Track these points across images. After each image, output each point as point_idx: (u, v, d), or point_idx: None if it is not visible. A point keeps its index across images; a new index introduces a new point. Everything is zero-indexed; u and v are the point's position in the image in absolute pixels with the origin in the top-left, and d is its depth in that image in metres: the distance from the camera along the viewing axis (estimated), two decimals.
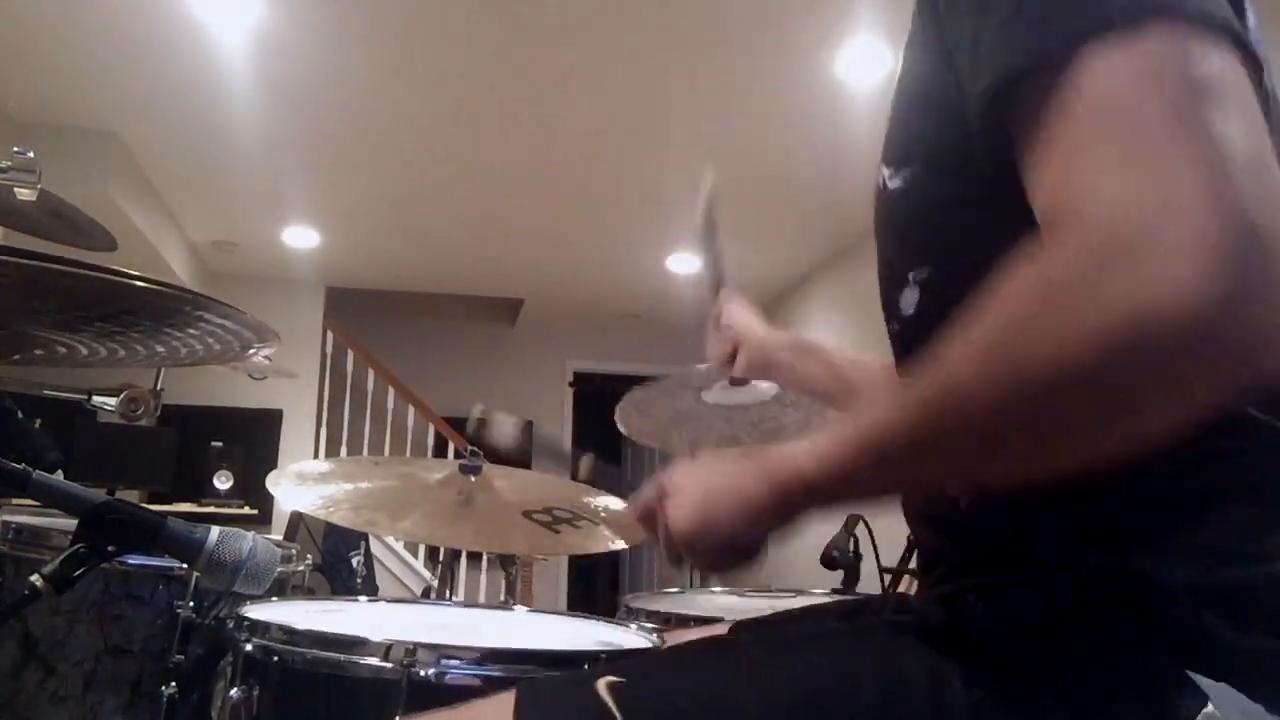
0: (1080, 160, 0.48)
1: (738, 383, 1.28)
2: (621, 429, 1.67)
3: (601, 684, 0.61)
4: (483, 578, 5.57)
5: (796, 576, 2.03)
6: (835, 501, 0.64)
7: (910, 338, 0.70)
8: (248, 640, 0.96)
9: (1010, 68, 0.52)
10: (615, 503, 1.50)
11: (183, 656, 1.17)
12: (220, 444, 5.27)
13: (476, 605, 1.51)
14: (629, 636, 1.16)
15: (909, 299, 0.68)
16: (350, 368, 5.99)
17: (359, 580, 2.46)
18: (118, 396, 1.23)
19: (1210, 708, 0.53)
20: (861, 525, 2.03)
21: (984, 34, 0.54)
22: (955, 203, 0.64)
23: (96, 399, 1.23)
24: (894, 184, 0.68)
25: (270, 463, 5.23)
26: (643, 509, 0.74)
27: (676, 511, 0.69)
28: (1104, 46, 0.48)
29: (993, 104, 0.53)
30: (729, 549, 0.68)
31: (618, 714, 0.59)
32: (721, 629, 0.89)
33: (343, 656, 0.91)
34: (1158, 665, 0.55)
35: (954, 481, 0.59)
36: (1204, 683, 0.53)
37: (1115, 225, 0.45)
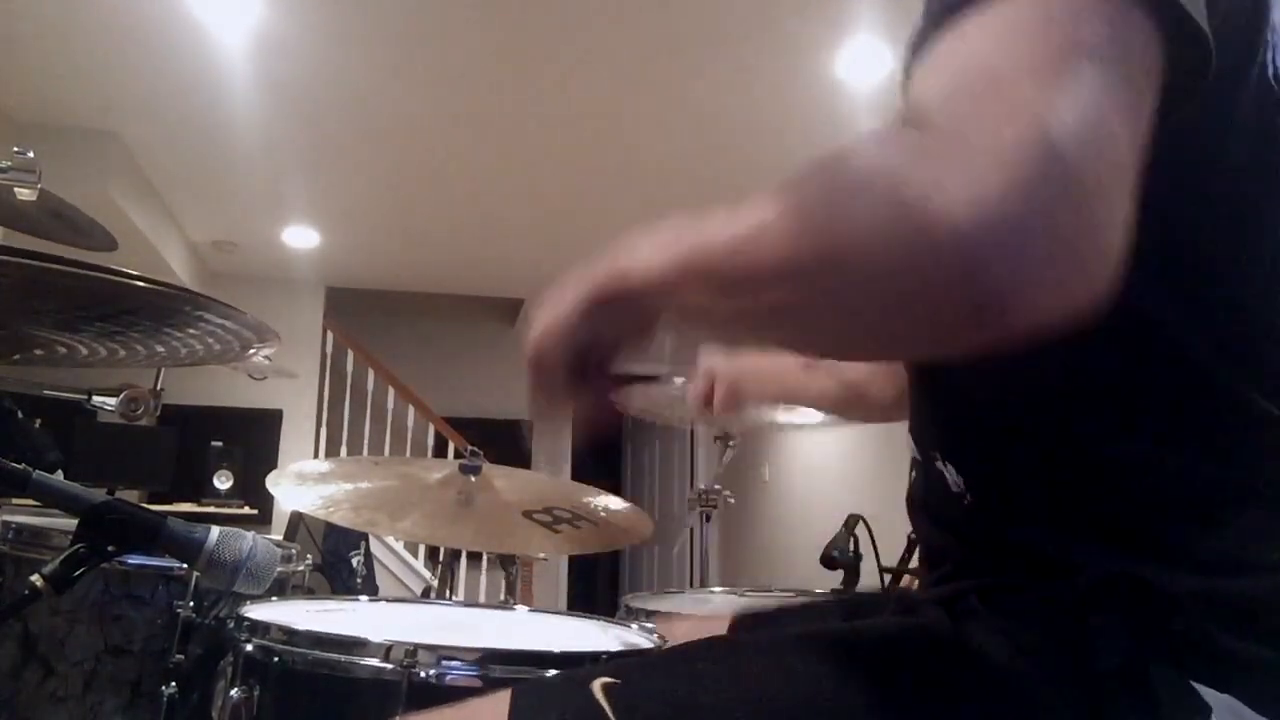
0: (954, 65, 0.48)
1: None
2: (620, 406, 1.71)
3: (597, 685, 0.61)
4: (483, 578, 5.57)
5: (796, 576, 2.03)
6: (664, 307, 0.59)
7: None
8: (248, 641, 0.96)
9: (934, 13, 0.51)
10: (616, 502, 1.50)
11: (183, 656, 1.17)
12: (220, 444, 5.27)
13: (477, 605, 1.51)
14: (629, 636, 1.16)
15: None
16: (350, 368, 5.99)
17: (359, 580, 2.46)
18: (118, 396, 1.23)
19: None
20: (861, 525, 2.03)
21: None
22: None
23: (96, 399, 1.23)
24: None
25: (270, 463, 5.23)
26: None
27: (532, 332, 0.65)
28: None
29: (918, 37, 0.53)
30: (584, 362, 0.64)
31: (612, 715, 0.59)
32: (720, 626, 0.89)
33: (343, 657, 0.91)
34: (1160, 675, 0.55)
35: (769, 326, 0.55)
36: (1207, 694, 0.53)
37: (948, 130, 0.44)
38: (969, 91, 0.45)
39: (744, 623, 0.88)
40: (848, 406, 1.12)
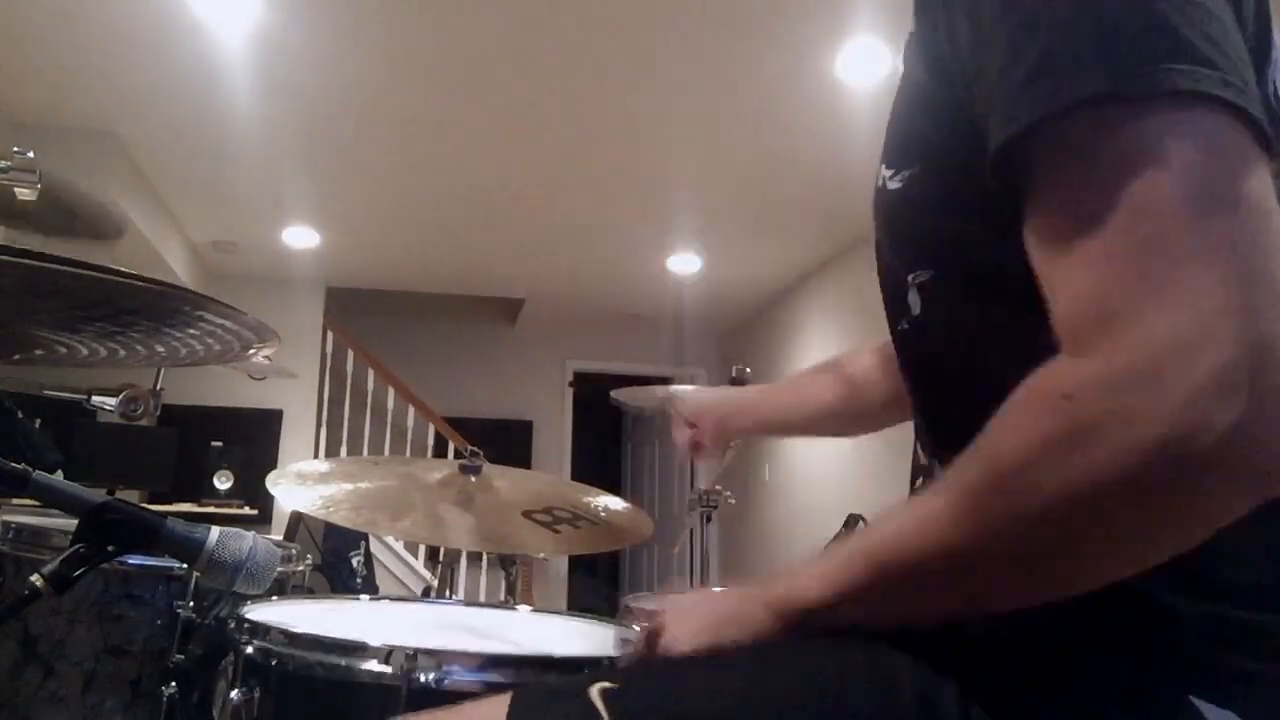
0: (1094, 271, 0.48)
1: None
2: (620, 400, 1.78)
3: (594, 690, 0.61)
4: (483, 578, 5.58)
5: None
6: (842, 621, 0.60)
7: (917, 338, 0.69)
8: (248, 643, 0.96)
9: (1016, 126, 0.51)
10: (616, 502, 1.50)
11: (183, 656, 1.17)
12: (220, 444, 5.27)
13: (478, 605, 1.51)
14: (629, 637, 1.16)
15: (914, 299, 0.68)
16: (350, 368, 5.99)
17: (359, 580, 2.46)
18: (118, 396, 1.23)
19: None
20: (861, 525, 2.03)
21: (995, 74, 0.53)
22: (954, 207, 0.63)
23: (96, 399, 1.22)
24: (893, 185, 0.67)
25: (270, 463, 5.23)
26: (641, 640, 0.72)
27: (676, 640, 0.67)
28: (1114, 113, 0.48)
29: (1002, 163, 0.53)
30: None
31: (607, 718, 0.59)
32: None
33: (343, 661, 0.91)
34: (1160, 690, 0.54)
35: (969, 606, 0.56)
36: (1207, 709, 0.53)
37: (1139, 358, 0.45)
38: (1136, 306, 0.46)
39: None
40: (838, 418, 1.12)
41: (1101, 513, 0.46)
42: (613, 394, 1.81)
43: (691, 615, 0.68)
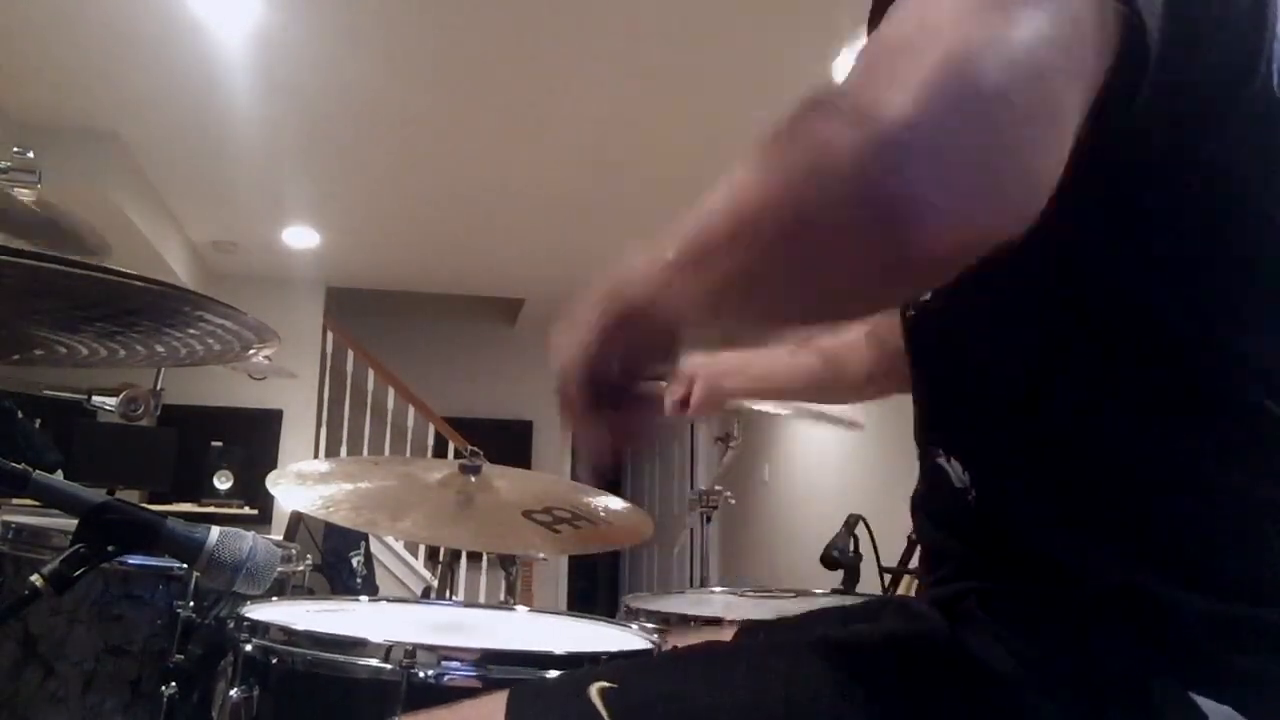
0: (890, 24, 0.49)
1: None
2: None
3: (593, 689, 0.61)
4: (483, 578, 5.57)
5: (796, 576, 2.03)
6: (675, 313, 0.58)
7: (927, 325, 0.69)
8: (248, 641, 0.96)
9: None
10: (616, 502, 1.50)
11: (183, 656, 1.17)
12: (220, 444, 5.28)
13: (477, 605, 1.51)
14: (629, 637, 1.16)
15: None
16: (350, 368, 5.99)
17: (359, 580, 2.46)
18: (118, 396, 1.23)
19: None
20: (862, 525, 2.03)
21: None
22: None
23: (96, 399, 1.23)
24: None
25: (270, 463, 5.23)
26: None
27: (555, 364, 0.65)
28: None
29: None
30: (609, 385, 0.63)
31: (605, 717, 0.59)
32: (726, 632, 0.89)
33: (343, 658, 0.91)
34: (1160, 686, 0.54)
35: (726, 309, 0.55)
36: (1206, 704, 0.53)
37: (869, 77, 0.46)
38: (901, 38, 0.46)
39: (749, 629, 0.88)
40: (825, 386, 1.13)
41: (783, 208, 0.46)
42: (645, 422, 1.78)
43: (563, 341, 0.66)
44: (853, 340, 1.08)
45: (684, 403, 1.18)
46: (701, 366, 1.18)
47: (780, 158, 0.47)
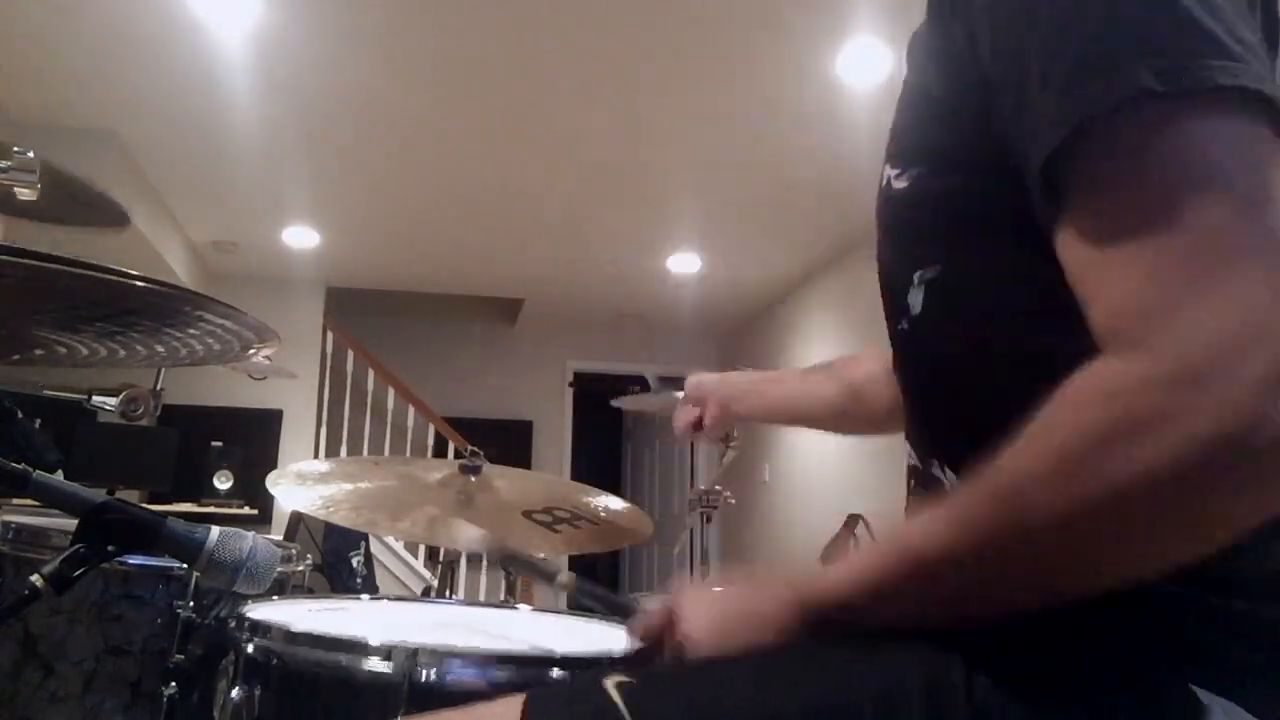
0: (1142, 270, 0.47)
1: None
2: (620, 404, 1.80)
3: (610, 683, 0.61)
4: (483, 578, 5.58)
5: None
6: (870, 621, 0.59)
7: (917, 338, 0.69)
8: (248, 641, 0.96)
9: (1063, 129, 0.50)
10: (615, 502, 1.50)
11: (183, 656, 1.17)
12: (220, 444, 5.27)
13: (479, 604, 1.51)
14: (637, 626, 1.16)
15: (915, 299, 0.68)
16: (350, 368, 5.99)
17: (359, 580, 2.46)
18: (118, 396, 1.23)
19: None
20: (861, 525, 2.03)
21: (1029, 82, 0.52)
22: (963, 204, 0.63)
23: (96, 399, 1.22)
24: (899, 184, 0.67)
25: (270, 463, 5.23)
26: (648, 629, 0.72)
27: (691, 636, 0.66)
28: (1160, 110, 0.48)
29: (1049, 170, 0.52)
30: None
31: (627, 714, 0.59)
32: None
33: (344, 658, 0.91)
34: (1162, 678, 0.55)
35: (1001, 605, 0.55)
36: (1205, 696, 0.53)
37: (1190, 354, 0.45)
38: (1179, 302, 0.46)
39: None
40: (843, 415, 1.12)
41: (1148, 509, 0.46)
42: (613, 401, 1.81)
43: (708, 610, 0.67)
44: (873, 373, 1.05)
45: (697, 425, 1.18)
46: (713, 388, 1.18)
47: (1126, 447, 0.46)
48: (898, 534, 0.58)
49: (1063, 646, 0.57)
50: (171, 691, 1.11)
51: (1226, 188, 0.46)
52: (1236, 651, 0.54)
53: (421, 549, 5.58)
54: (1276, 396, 0.43)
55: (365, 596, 1.44)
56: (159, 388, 1.31)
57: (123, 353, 0.91)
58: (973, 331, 0.64)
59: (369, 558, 3.14)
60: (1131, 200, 0.48)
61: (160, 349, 0.90)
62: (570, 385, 7.07)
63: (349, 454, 5.73)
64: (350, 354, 6.02)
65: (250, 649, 0.96)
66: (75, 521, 0.78)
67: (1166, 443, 0.45)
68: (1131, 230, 0.48)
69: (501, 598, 1.83)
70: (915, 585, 0.57)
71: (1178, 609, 0.55)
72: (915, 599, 0.57)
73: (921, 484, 0.72)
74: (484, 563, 5.49)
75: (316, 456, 5.82)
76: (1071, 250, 0.52)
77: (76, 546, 0.77)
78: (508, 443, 6.21)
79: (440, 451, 5.84)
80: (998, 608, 0.55)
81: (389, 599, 1.48)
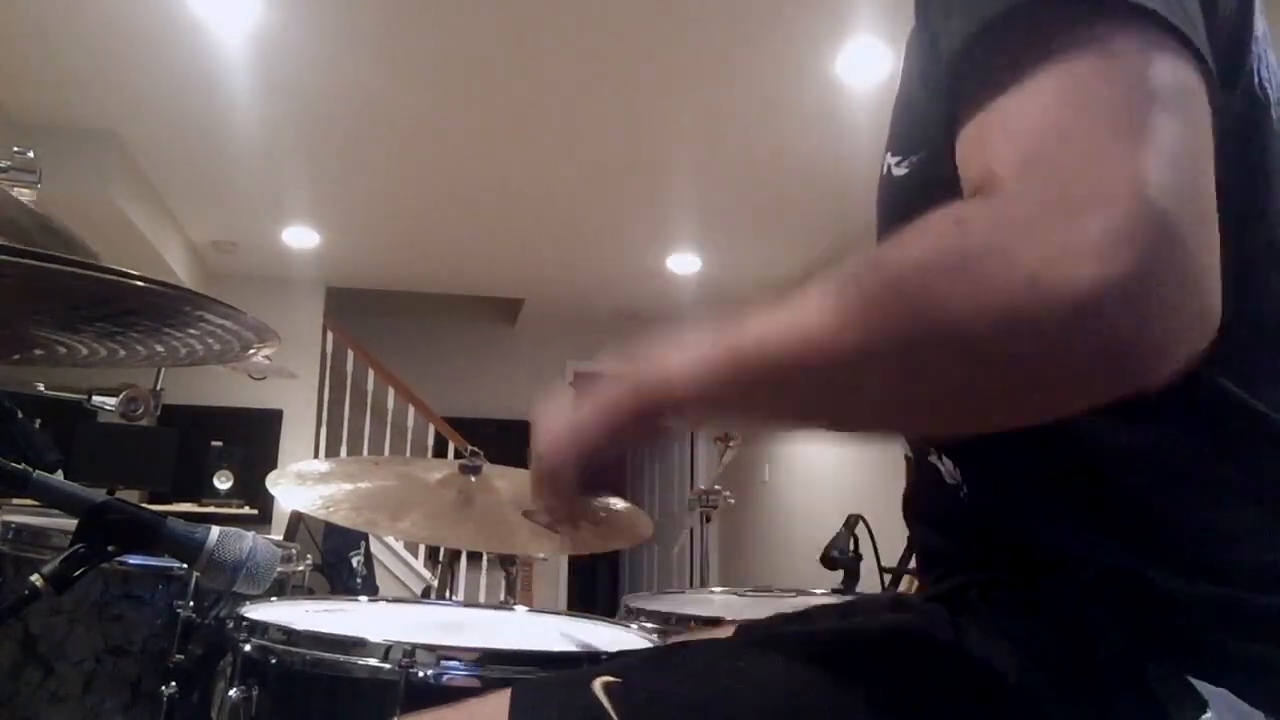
0: (1024, 127, 0.47)
1: None
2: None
3: (597, 684, 0.61)
4: (483, 578, 5.58)
5: (796, 576, 2.03)
6: (703, 416, 0.59)
7: None
8: (247, 641, 0.96)
9: (966, 33, 0.51)
10: (615, 502, 1.50)
11: (183, 656, 1.17)
12: (220, 444, 5.28)
13: (476, 605, 1.51)
14: (629, 636, 1.16)
15: None
16: (350, 368, 5.99)
17: (359, 580, 2.46)
18: (118, 396, 1.23)
19: (1210, 714, 0.53)
20: (861, 525, 2.03)
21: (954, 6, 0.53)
22: (960, 191, 0.63)
23: (96, 399, 1.23)
24: (899, 171, 0.67)
25: (270, 463, 5.24)
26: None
27: (544, 439, 0.66)
28: (1053, 16, 0.48)
29: (952, 70, 0.52)
30: (593, 470, 0.64)
31: (613, 714, 0.59)
32: (725, 632, 0.89)
33: (341, 657, 0.91)
34: (1159, 670, 0.55)
35: (831, 414, 0.54)
36: (1204, 688, 0.53)
37: (1041, 199, 0.44)
38: (1050, 159, 0.46)
39: (748, 626, 0.88)
40: None
41: (967, 344, 0.45)
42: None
43: (559, 413, 0.66)
44: None
45: None
46: None
47: (946, 276, 0.46)
48: (734, 328, 0.55)
49: (1060, 641, 0.58)
50: (171, 691, 1.12)
51: (1110, 82, 0.46)
52: (1234, 643, 0.54)
53: (421, 549, 5.59)
54: (1094, 262, 0.42)
55: (364, 597, 1.44)
56: (159, 388, 1.31)
57: (123, 353, 0.91)
58: None
59: (369, 558, 3.14)
60: (1023, 81, 0.48)
61: (160, 349, 0.90)
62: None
63: (349, 454, 5.73)
64: (350, 354, 6.02)
65: (248, 647, 0.96)
66: (75, 521, 0.78)
67: (987, 279, 0.44)
68: (1020, 104, 0.48)
69: (501, 598, 1.83)
70: (745, 383, 0.55)
71: (1173, 600, 0.55)
72: (744, 397, 0.56)
73: (917, 474, 0.72)
74: (484, 561, 5.50)
75: (316, 456, 5.82)
76: (962, 136, 0.52)
77: (76, 546, 0.77)
78: (508, 443, 6.20)
79: (440, 451, 5.84)
80: (824, 417, 0.55)
81: (388, 600, 1.49)
